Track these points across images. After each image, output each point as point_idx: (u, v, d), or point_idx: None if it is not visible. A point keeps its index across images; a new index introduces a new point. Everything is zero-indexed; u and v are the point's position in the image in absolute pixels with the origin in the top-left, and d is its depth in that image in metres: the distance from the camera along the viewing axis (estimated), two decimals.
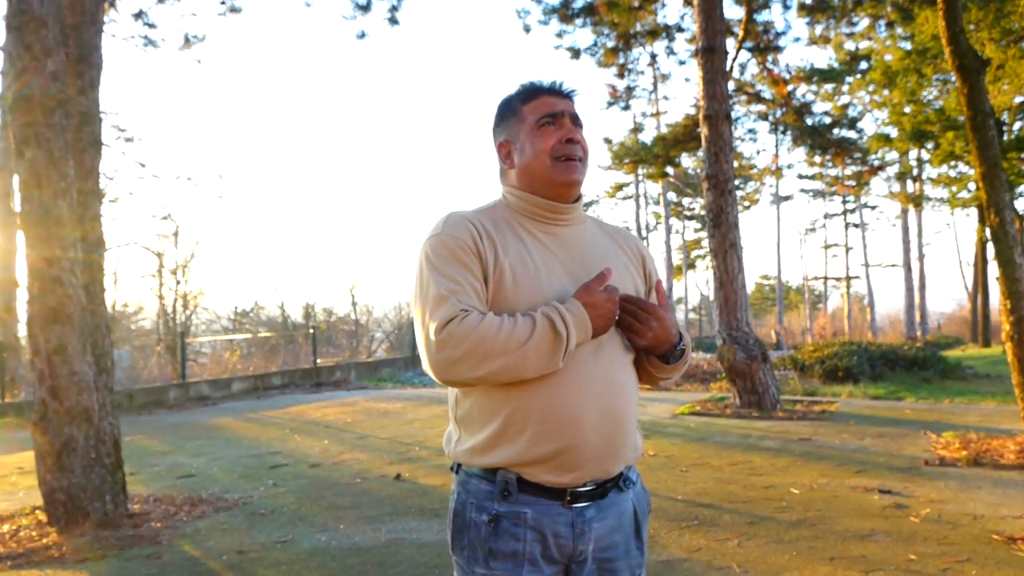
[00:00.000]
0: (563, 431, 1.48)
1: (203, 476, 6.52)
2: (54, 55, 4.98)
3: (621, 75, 15.07)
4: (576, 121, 1.64)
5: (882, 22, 13.71)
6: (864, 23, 13.97)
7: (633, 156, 17.03)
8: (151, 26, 10.98)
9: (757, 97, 15.41)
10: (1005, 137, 16.15)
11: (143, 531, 4.80)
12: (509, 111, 1.68)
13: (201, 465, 7.02)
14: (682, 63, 15.41)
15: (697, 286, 49.53)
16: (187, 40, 11.49)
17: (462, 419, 1.59)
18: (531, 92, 1.66)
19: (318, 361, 17.18)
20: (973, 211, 22.03)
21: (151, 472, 6.77)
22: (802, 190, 40.79)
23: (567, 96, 1.66)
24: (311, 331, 18.75)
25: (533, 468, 1.50)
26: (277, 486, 6.01)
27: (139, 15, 10.81)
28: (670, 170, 17.40)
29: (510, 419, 1.50)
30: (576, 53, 13.50)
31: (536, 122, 1.62)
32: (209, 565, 4.15)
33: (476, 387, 1.54)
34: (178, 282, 21.44)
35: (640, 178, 32.72)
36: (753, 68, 14.89)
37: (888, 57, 17.38)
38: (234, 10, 10.65)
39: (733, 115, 11.73)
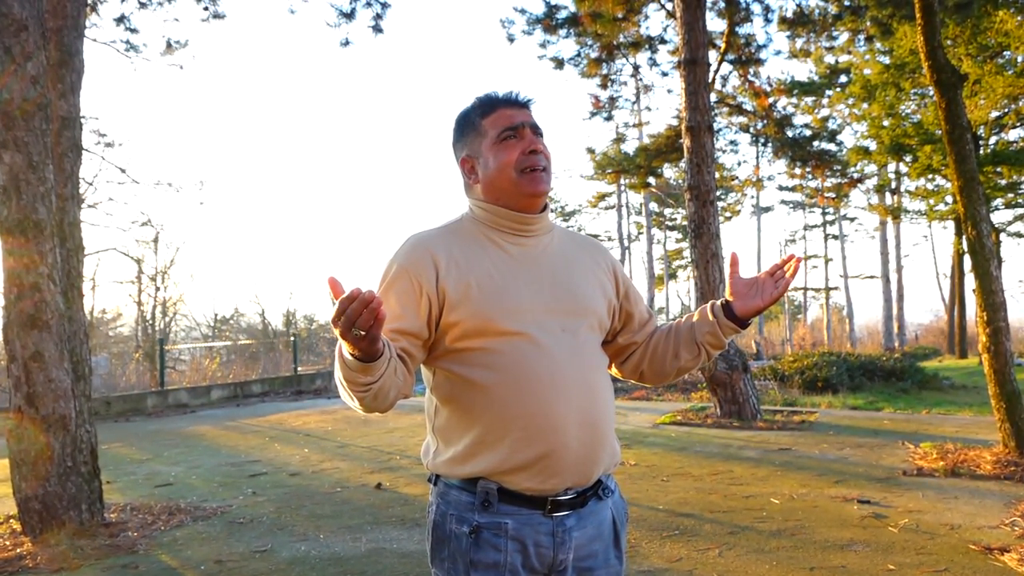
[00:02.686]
0: (544, 436, 1.49)
1: (181, 485, 6.45)
2: (35, 58, 4.93)
3: (604, 86, 15.15)
4: (536, 131, 1.63)
5: (861, 36, 13.86)
6: (844, 37, 14.12)
7: (615, 166, 17.11)
8: (133, 31, 10.90)
9: (739, 109, 15.53)
10: (982, 151, 16.41)
11: (120, 540, 4.74)
12: (468, 126, 1.67)
13: (179, 473, 6.94)
14: (665, 74, 15.50)
15: (678, 296, 49.79)
16: (169, 45, 11.44)
17: (440, 429, 1.59)
18: (489, 105, 1.65)
19: (299, 369, 17.09)
20: (950, 224, 22.30)
21: (128, 480, 6.69)
22: (782, 201, 41.11)
23: (524, 105, 1.65)
24: (292, 338, 18.66)
25: (515, 476, 1.50)
26: (256, 495, 5.96)
27: (121, 20, 10.73)
28: (652, 180, 17.51)
29: (490, 426, 1.50)
30: (560, 63, 13.55)
31: (497, 136, 1.61)
32: (187, 575, 4.10)
33: (455, 396, 1.55)
34: (157, 288, 21.24)
35: (622, 188, 32.86)
36: (735, 80, 14.99)
37: (867, 71, 17.62)
38: (217, 16, 10.59)
39: (715, 126, 11.81)
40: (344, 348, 1.32)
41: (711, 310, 1.72)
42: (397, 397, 1.48)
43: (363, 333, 1.25)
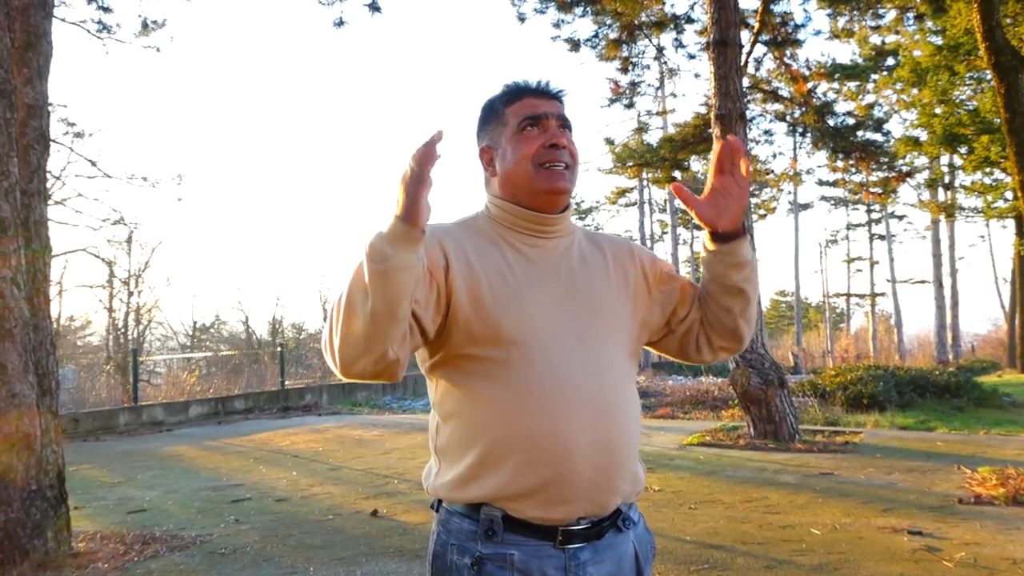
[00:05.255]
0: (550, 459, 1.47)
1: (156, 511, 6.47)
2: None
3: (625, 69, 15.14)
4: (564, 124, 1.64)
5: (911, 14, 13.85)
6: (891, 15, 14.11)
7: (637, 159, 17.09)
8: (106, 10, 10.99)
9: (774, 95, 15.51)
10: None
11: (88, 572, 4.76)
12: (491, 114, 1.69)
13: (154, 499, 6.97)
14: (692, 57, 15.39)
15: None
16: (145, 26, 11.51)
17: (442, 449, 1.59)
18: (514, 93, 1.67)
19: (286, 383, 17.13)
20: (1010, 223, 22.23)
21: (98, 506, 6.71)
22: (823, 198, 41.08)
23: (554, 97, 1.67)
24: (278, 349, 18.71)
25: (520, 503, 1.49)
26: (239, 523, 5.97)
27: None
28: (678, 174, 17.45)
29: (492, 446, 1.49)
30: (575, 45, 13.57)
31: (518, 125, 1.63)
32: None
33: (457, 411, 1.54)
34: (131, 293, 21.37)
35: (645, 183, 32.85)
36: (770, 63, 14.97)
37: (917, 53, 17.58)
38: None
39: (748, 114, 11.79)
40: (393, 208, 1.37)
41: (707, 256, 1.72)
42: (389, 345, 1.40)
43: (415, 167, 1.32)
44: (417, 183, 1.32)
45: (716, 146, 1.66)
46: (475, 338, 1.51)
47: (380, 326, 1.37)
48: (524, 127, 1.62)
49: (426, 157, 1.31)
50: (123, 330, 21.26)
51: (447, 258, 1.53)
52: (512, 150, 1.62)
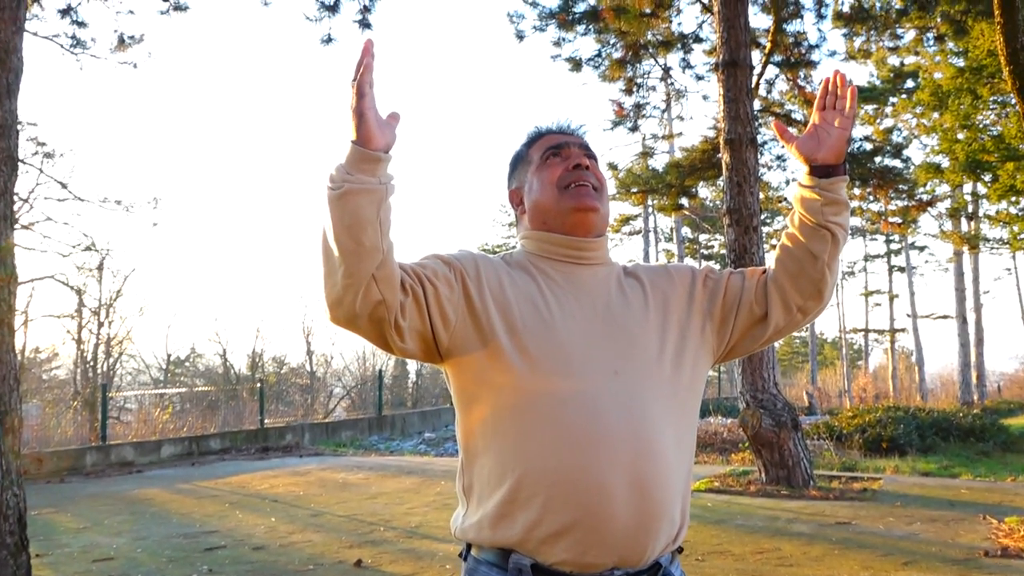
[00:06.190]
0: (581, 498, 1.48)
1: (124, 559, 6.42)
2: None
3: (629, 91, 15.26)
4: (587, 153, 1.75)
5: (931, 35, 13.98)
6: (910, 36, 14.25)
7: (642, 185, 17.17)
8: (80, 24, 11.06)
9: (787, 119, 15.62)
10: None
11: None
12: (518, 160, 1.83)
13: (122, 546, 6.92)
14: (700, 78, 15.48)
15: None
16: (122, 41, 11.57)
17: (469, 487, 1.62)
18: (536, 135, 1.82)
19: (265, 421, 17.04)
20: None
21: (62, 554, 6.67)
22: None
23: (573, 133, 1.81)
24: (258, 385, 18.64)
25: (550, 546, 1.49)
26: (213, 572, 5.93)
27: (67, 11, 10.89)
28: (685, 202, 17.55)
29: (522, 481, 1.50)
30: (577, 65, 13.68)
31: (541, 157, 1.75)
32: None
33: (485, 447, 1.56)
34: (101, 324, 21.33)
35: (650, 210, 32.96)
36: (782, 85, 15.10)
37: (938, 75, 17.72)
38: (179, 8, 10.75)
39: (759, 139, 11.88)
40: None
41: (805, 189, 1.71)
42: (369, 282, 1.42)
43: (352, 82, 1.40)
44: (359, 99, 1.40)
45: (823, 82, 1.74)
46: (499, 366, 1.54)
47: (349, 257, 1.41)
48: (547, 157, 1.74)
49: (361, 69, 1.39)
50: (92, 363, 21.19)
51: (480, 275, 1.60)
52: (537, 180, 1.73)
